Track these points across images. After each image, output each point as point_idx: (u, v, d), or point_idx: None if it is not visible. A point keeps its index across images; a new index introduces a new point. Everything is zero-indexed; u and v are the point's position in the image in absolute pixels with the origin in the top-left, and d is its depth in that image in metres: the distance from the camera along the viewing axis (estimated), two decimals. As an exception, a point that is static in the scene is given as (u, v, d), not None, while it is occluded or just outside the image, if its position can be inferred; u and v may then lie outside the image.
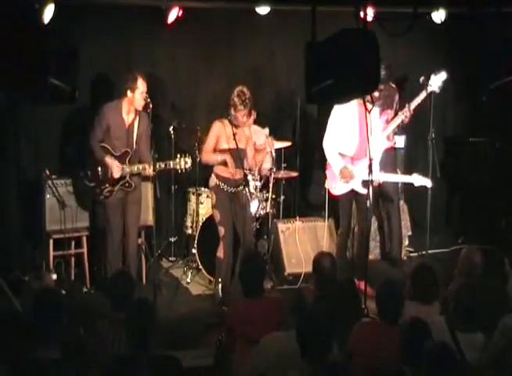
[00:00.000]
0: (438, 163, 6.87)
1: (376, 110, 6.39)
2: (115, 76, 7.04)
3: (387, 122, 7.01)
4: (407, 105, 6.85)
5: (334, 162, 6.49)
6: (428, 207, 6.72)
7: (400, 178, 6.92)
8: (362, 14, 4.44)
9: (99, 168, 6.38)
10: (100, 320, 4.38)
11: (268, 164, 7.32)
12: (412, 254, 7.84)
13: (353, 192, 6.53)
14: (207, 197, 7.19)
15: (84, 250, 6.75)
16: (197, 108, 7.74)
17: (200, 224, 6.97)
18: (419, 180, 6.60)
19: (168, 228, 7.68)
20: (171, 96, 7.64)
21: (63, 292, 6.18)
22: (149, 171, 6.21)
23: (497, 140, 8.26)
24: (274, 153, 7.12)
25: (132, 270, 6.34)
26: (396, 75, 7.25)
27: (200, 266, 6.90)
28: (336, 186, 6.55)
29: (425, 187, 6.61)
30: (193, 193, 7.25)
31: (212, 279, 6.81)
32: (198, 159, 7.08)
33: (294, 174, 7.45)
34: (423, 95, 6.73)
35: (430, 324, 4.04)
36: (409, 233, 7.88)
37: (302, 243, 7.20)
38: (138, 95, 6.22)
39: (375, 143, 6.37)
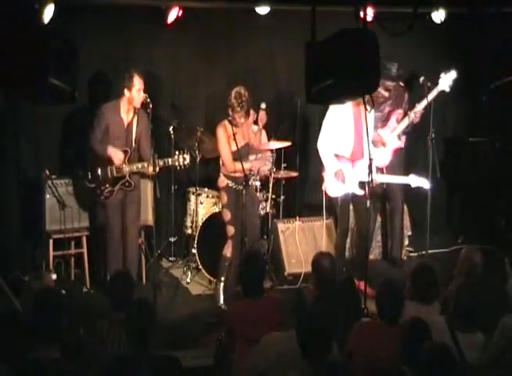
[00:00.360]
0: (438, 163, 6.87)
1: (372, 110, 6.39)
2: (115, 76, 7.04)
3: (398, 122, 7.02)
4: (417, 104, 6.87)
5: (329, 164, 6.49)
6: (428, 207, 6.72)
7: (397, 179, 6.91)
8: (362, 14, 4.43)
9: (99, 169, 6.38)
10: (100, 320, 4.38)
11: (267, 165, 7.33)
12: (412, 254, 7.84)
13: (350, 193, 6.53)
14: (207, 196, 7.20)
15: (84, 250, 6.75)
16: (197, 108, 7.74)
17: (200, 224, 6.97)
18: (416, 181, 6.60)
19: (168, 228, 7.69)
20: (171, 96, 7.64)
21: (63, 292, 6.18)
22: (149, 169, 6.21)
23: (497, 140, 8.26)
24: (274, 153, 7.16)
25: (132, 270, 6.33)
26: (405, 75, 7.25)
27: (200, 266, 6.90)
28: (333, 187, 6.55)
29: (423, 189, 6.61)
30: (193, 193, 7.25)
31: (212, 279, 6.81)
32: (198, 159, 7.10)
33: (294, 174, 7.45)
34: (433, 94, 6.76)
35: (430, 324, 4.04)
36: (409, 233, 7.88)
37: (302, 243, 7.20)
38: (135, 92, 6.22)
39: (370, 143, 6.36)
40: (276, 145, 7.13)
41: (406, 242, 7.82)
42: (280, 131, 7.45)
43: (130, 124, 6.38)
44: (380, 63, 6.66)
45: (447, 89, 6.79)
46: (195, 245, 6.98)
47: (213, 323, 5.71)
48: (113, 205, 6.43)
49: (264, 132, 7.43)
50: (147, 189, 6.74)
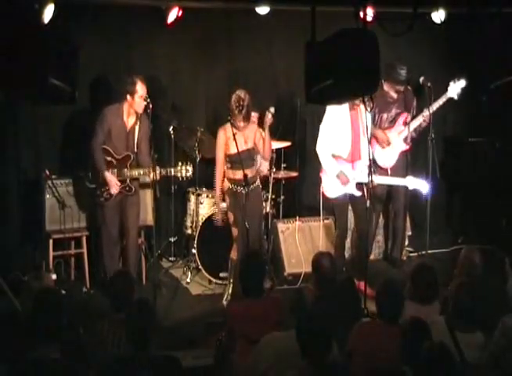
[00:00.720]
0: (438, 163, 6.87)
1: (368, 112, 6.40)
2: (115, 76, 7.05)
3: (406, 124, 7.03)
4: (425, 109, 6.88)
5: (329, 167, 6.49)
6: (428, 207, 6.72)
7: (394, 180, 6.90)
8: (362, 14, 4.43)
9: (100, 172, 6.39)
10: (100, 320, 4.38)
11: (267, 165, 7.34)
12: (412, 254, 7.84)
13: (348, 194, 6.53)
14: (207, 197, 7.20)
15: (84, 250, 6.75)
16: (197, 108, 7.74)
17: (200, 224, 6.97)
18: (413, 183, 6.59)
19: (168, 228, 7.69)
20: (171, 96, 7.64)
21: (63, 292, 6.18)
22: (150, 177, 6.22)
23: (497, 140, 8.26)
24: (274, 154, 7.16)
25: (133, 271, 6.33)
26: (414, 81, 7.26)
27: (200, 266, 6.90)
28: (330, 188, 6.56)
29: (420, 192, 6.61)
30: (193, 193, 7.25)
31: (212, 279, 6.82)
32: (198, 159, 7.10)
33: (294, 174, 7.45)
34: (441, 100, 6.81)
35: (430, 324, 4.04)
36: (409, 233, 7.88)
37: (302, 243, 7.20)
38: (137, 98, 6.22)
39: (365, 144, 6.37)
40: (276, 145, 7.14)
41: (406, 242, 7.82)
42: (280, 131, 7.45)
43: (132, 128, 6.38)
44: (391, 66, 6.77)
45: (456, 97, 6.85)
46: (195, 245, 6.98)
47: (213, 323, 5.71)
48: (112, 206, 6.43)
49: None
50: (147, 189, 6.74)
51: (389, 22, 4.45)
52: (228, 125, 6.22)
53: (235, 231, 6.36)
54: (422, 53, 8.09)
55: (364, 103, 5.75)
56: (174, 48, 7.57)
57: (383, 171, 6.99)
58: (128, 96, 6.25)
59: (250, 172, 6.25)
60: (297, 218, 7.32)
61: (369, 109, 5.87)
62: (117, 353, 4.15)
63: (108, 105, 6.41)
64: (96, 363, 3.94)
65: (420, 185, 6.56)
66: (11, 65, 3.87)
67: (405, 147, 7.14)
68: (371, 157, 6.02)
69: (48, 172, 6.63)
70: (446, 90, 6.92)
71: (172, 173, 6.33)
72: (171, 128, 7.19)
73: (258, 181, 6.50)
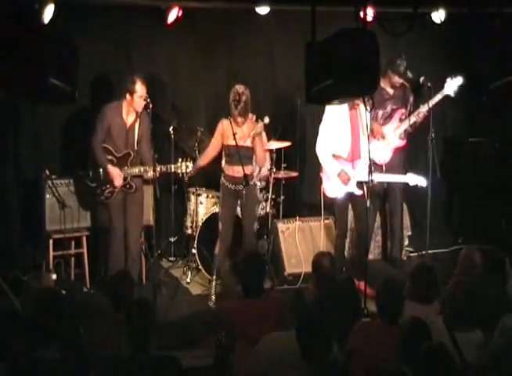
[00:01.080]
0: (438, 163, 6.87)
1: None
2: (115, 76, 7.05)
3: (401, 121, 7.04)
4: (421, 106, 6.89)
5: (330, 167, 6.50)
6: (428, 207, 6.72)
7: (394, 177, 6.92)
8: (362, 14, 4.43)
9: (101, 169, 6.39)
10: (100, 320, 4.38)
11: (267, 165, 7.33)
12: (412, 254, 7.84)
13: (349, 193, 6.54)
14: (207, 197, 7.20)
15: (84, 250, 6.75)
16: (197, 108, 7.74)
17: (200, 224, 6.97)
18: (413, 179, 6.60)
19: (168, 228, 7.69)
20: (171, 96, 7.64)
21: (63, 292, 6.17)
22: (150, 174, 6.22)
23: (497, 140, 8.26)
24: (274, 154, 7.16)
25: (134, 271, 6.33)
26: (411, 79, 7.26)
27: (200, 266, 6.91)
28: (331, 188, 6.56)
29: (421, 187, 6.62)
30: (193, 193, 7.25)
31: (212, 279, 6.82)
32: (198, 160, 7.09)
33: (294, 174, 7.45)
34: (437, 97, 6.80)
35: (430, 324, 4.04)
36: (409, 233, 7.88)
37: (302, 243, 7.20)
38: (136, 98, 6.23)
39: (365, 143, 6.39)
40: (276, 145, 7.14)
41: (406, 242, 7.83)
42: (280, 131, 7.45)
43: (132, 126, 6.38)
44: (391, 59, 6.78)
45: (452, 94, 6.85)
46: (195, 245, 6.98)
47: (213, 323, 5.71)
48: (116, 206, 6.43)
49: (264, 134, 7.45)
50: (147, 189, 6.74)
51: (389, 22, 4.46)
52: (227, 119, 6.26)
53: (220, 226, 6.43)
54: (422, 53, 8.09)
55: (364, 102, 5.76)
56: (174, 48, 7.57)
57: (378, 167, 6.99)
58: (128, 95, 6.26)
59: (245, 170, 6.27)
60: (297, 218, 7.32)
61: (369, 108, 5.88)
62: (117, 353, 4.15)
63: (108, 103, 6.41)
64: (96, 363, 3.94)
65: (421, 181, 6.57)
66: (11, 65, 3.87)
67: (400, 143, 7.14)
68: (369, 157, 6.00)
69: (48, 172, 6.63)
70: (443, 87, 6.92)
71: (172, 169, 6.33)
72: (171, 128, 7.19)
73: (255, 180, 6.50)
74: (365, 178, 6.15)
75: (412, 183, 6.63)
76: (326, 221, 7.24)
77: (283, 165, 7.32)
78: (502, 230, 7.98)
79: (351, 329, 4.38)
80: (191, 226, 7.30)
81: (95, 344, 4.21)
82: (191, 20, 7.14)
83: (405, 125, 7.06)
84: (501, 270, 5.23)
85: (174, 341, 5.31)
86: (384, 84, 6.99)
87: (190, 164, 6.36)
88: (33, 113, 6.94)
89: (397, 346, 3.95)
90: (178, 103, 7.64)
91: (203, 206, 7.19)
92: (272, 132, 7.38)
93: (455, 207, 8.76)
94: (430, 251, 7.16)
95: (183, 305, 6.52)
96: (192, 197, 7.28)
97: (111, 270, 6.38)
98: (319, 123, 6.63)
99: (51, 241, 6.58)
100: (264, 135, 6.40)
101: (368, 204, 6.07)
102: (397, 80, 7.00)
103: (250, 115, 6.35)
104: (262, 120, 6.21)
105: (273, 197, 7.25)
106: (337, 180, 6.47)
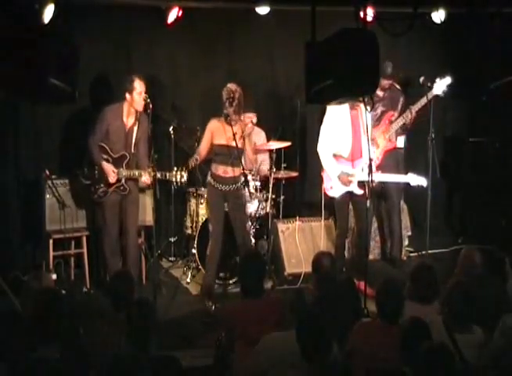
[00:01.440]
0: (438, 163, 6.87)
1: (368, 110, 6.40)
2: (115, 76, 7.05)
3: (390, 123, 7.03)
4: (410, 107, 6.89)
5: (331, 168, 6.51)
6: (428, 207, 6.72)
7: (396, 177, 6.93)
8: (362, 14, 4.43)
9: (96, 168, 6.39)
10: (100, 320, 4.38)
11: (267, 165, 7.34)
12: (412, 254, 7.84)
13: (349, 193, 6.54)
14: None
15: (84, 250, 6.75)
16: (197, 108, 7.74)
17: (200, 224, 6.97)
18: (414, 179, 6.61)
19: (168, 228, 7.69)
20: (171, 96, 7.64)
21: (63, 292, 6.17)
22: (145, 178, 6.23)
23: (497, 140, 8.26)
24: (274, 154, 7.16)
25: (133, 271, 6.32)
26: (400, 76, 7.25)
27: (200, 266, 6.90)
28: (332, 187, 6.56)
29: (422, 187, 6.62)
30: (193, 194, 7.25)
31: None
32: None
33: (294, 174, 7.45)
34: (426, 98, 6.77)
35: (430, 324, 4.04)
36: (409, 233, 7.88)
37: (302, 243, 7.20)
38: (136, 95, 6.22)
39: (366, 143, 6.39)
40: (276, 145, 7.14)
41: (406, 242, 7.83)
42: (280, 131, 7.45)
43: (131, 128, 6.38)
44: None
45: (441, 94, 6.82)
46: (195, 245, 6.98)
47: (213, 323, 5.71)
48: (111, 206, 6.43)
49: (263, 133, 7.44)
50: (147, 189, 6.74)
51: (389, 22, 4.46)
52: (221, 118, 6.25)
53: (210, 227, 6.45)
54: (422, 53, 8.09)
55: (364, 102, 5.76)
56: (174, 48, 7.57)
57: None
58: (127, 95, 6.25)
59: (231, 170, 6.28)
60: (297, 218, 7.31)
61: (369, 108, 5.87)
62: (117, 353, 4.14)
63: (108, 105, 6.41)
64: (96, 363, 3.94)
65: (421, 181, 6.58)
66: (11, 65, 3.87)
67: (389, 145, 7.13)
68: (370, 157, 6.00)
69: (48, 172, 6.63)
70: (447, 90, 6.91)
71: (167, 177, 6.30)
72: (171, 128, 7.19)
73: (242, 181, 6.49)
74: (366, 177, 6.15)
75: (413, 183, 6.64)
76: (326, 221, 7.24)
77: (283, 165, 7.32)
78: (503, 230, 7.98)
79: (351, 329, 4.38)
80: (191, 226, 7.31)
81: (95, 344, 4.21)
82: (191, 20, 7.14)
83: (396, 127, 7.06)
84: (501, 270, 5.23)
85: (173, 340, 5.31)
86: None
87: (185, 174, 6.33)
88: (33, 113, 6.94)
89: (397, 346, 3.95)
90: (178, 103, 7.64)
91: (203, 206, 7.19)
92: (272, 132, 7.39)
93: (455, 207, 8.76)
94: (430, 251, 7.16)
95: (183, 305, 6.51)
96: (192, 198, 7.28)
97: (109, 270, 6.38)
98: (319, 123, 6.64)
99: (51, 241, 6.58)
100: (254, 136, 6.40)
101: (368, 204, 6.07)
102: (386, 82, 7.00)
103: (251, 115, 6.34)
104: (251, 119, 6.21)
105: (273, 196, 7.25)
106: (338, 181, 6.48)
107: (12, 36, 3.86)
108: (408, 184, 6.73)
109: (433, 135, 6.80)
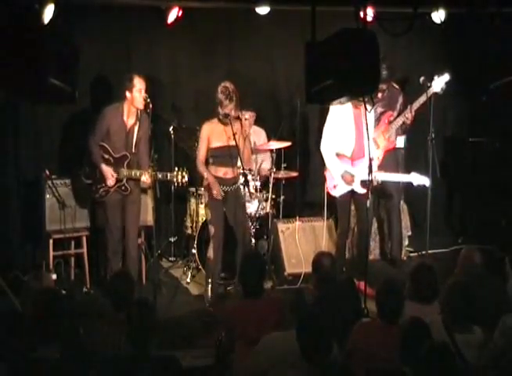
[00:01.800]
0: (438, 163, 6.87)
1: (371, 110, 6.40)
2: (115, 76, 7.04)
3: (389, 123, 7.03)
4: (409, 106, 6.88)
5: (333, 167, 6.51)
6: (428, 207, 6.72)
7: (398, 177, 6.93)
8: (362, 14, 4.43)
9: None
10: (100, 320, 4.38)
11: (267, 165, 7.34)
12: (412, 254, 7.84)
13: (352, 192, 6.55)
14: (207, 197, 7.19)
15: (84, 250, 6.75)
16: (197, 108, 7.73)
17: (200, 224, 6.97)
18: (417, 179, 6.61)
19: (168, 228, 7.69)
20: (171, 96, 7.64)
21: (63, 292, 6.18)
22: (145, 178, 6.23)
23: (497, 140, 8.26)
24: (274, 153, 7.16)
25: (132, 271, 6.32)
26: (398, 76, 7.24)
27: (200, 266, 6.91)
28: (335, 186, 6.57)
29: (424, 186, 6.62)
30: (193, 194, 7.25)
31: (208, 281, 6.81)
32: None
33: (294, 174, 7.44)
34: (425, 96, 6.76)
35: (430, 324, 4.04)
36: (409, 233, 7.88)
37: (302, 243, 7.20)
38: (136, 93, 6.21)
39: (370, 142, 6.40)
40: (276, 145, 7.14)
41: (406, 242, 7.82)
42: (280, 131, 7.45)
43: (131, 128, 6.37)
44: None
45: (440, 91, 6.81)
46: (195, 245, 6.98)
47: (213, 323, 5.72)
48: (113, 205, 6.43)
49: (263, 133, 7.44)
50: (147, 189, 6.74)
51: (389, 22, 4.46)
52: (214, 120, 6.23)
53: (211, 229, 6.39)
54: (422, 53, 8.09)
55: (364, 102, 5.76)
56: (174, 48, 7.57)
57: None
58: (127, 93, 6.24)
59: (231, 171, 6.26)
60: (297, 218, 7.31)
61: (369, 108, 5.87)
62: (117, 353, 4.15)
63: (108, 105, 6.42)
64: (96, 363, 3.94)
65: (424, 181, 6.58)
66: (11, 65, 3.87)
67: (389, 146, 7.13)
68: (371, 156, 6.00)
69: (48, 172, 6.62)
70: (447, 90, 6.90)
71: (168, 178, 6.28)
72: (171, 128, 7.19)
73: (242, 181, 6.48)
74: (371, 176, 6.13)
75: (415, 183, 6.64)
76: (327, 221, 7.24)
77: (283, 165, 7.32)
78: (503, 230, 7.97)
79: (351, 329, 4.38)
80: (191, 226, 7.31)
81: (95, 344, 4.21)
82: (191, 20, 7.14)
83: (395, 127, 7.05)
84: (501, 270, 5.23)
85: (173, 340, 5.32)
86: None
87: (186, 175, 6.31)
88: (33, 113, 6.94)
89: (397, 346, 3.95)
90: (178, 103, 7.64)
91: (203, 206, 7.17)
92: (272, 132, 7.39)
93: (455, 207, 8.76)
94: (430, 251, 7.15)
95: (183, 305, 6.51)
96: (192, 197, 7.28)
97: (110, 270, 6.38)
98: (319, 123, 6.65)
99: (51, 241, 6.57)
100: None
101: (368, 204, 6.07)
102: (381, 85, 6.98)
103: (250, 113, 6.33)
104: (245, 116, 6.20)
105: (273, 197, 7.25)
106: (341, 180, 6.49)
107: (12, 36, 3.86)
108: (411, 183, 6.72)
109: (433, 135, 6.80)
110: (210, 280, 6.47)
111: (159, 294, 6.16)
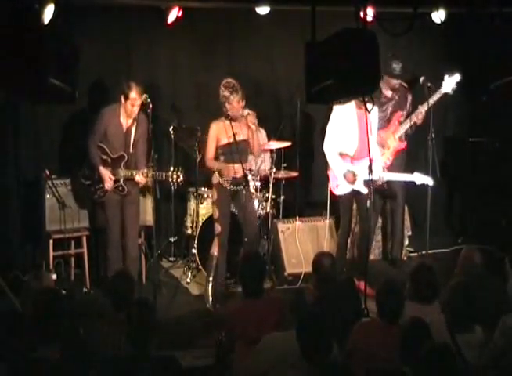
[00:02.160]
0: (438, 163, 6.87)
1: (375, 109, 6.40)
2: (115, 76, 7.04)
3: (400, 123, 7.03)
4: (419, 106, 6.88)
5: (336, 166, 6.52)
6: (428, 207, 6.72)
7: (402, 176, 6.94)
8: (362, 14, 4.43)
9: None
10: (100, 320, 4.38)
11: (267, 165, 7.34)
12: (412, 254, 7.84)
13: (354, 192, 6.55)
14: (207, 197, 7.19)
15: (84, 250, 6.75)
16: (197, 108, 7.74)
17: (200, 224, 6.97)
18: (420, 178, 6.62)
19: (168, 228, 7.68)
20: (171, 96, 7.64)
21: (63, 292, 6.18)
22: (139, 178, 6.24)
23: (497, 140, 8.26)
24: (274, 153, 7.16)
25: (132, 271, 6.32)
26: (408, 75, 7.24)
27: (200, 266, 6.90)
28: (338, 186, 6.57)
29: (425, 186, 6.62)
30: (193, 193, 7.25)
31: (209, 280, 6.81)
32: (198, 159, 7.09)
33: (294, 174, 7.45)
34: (436, 96, 6.79)
35: (430, 324, 4.04)
36: (409, 233, 7.88)
37: (302, 243, 7.20)
38: (129, 105, 6.21)
39: (374, 143, 6.41)
40: (276, 145, 7.14)
41: (406, 242, 7.82)
42: (280, 131, 7.45)
43: (129, 129, 6.37)
44: (386, 62, 6.78)
45: (450, 92, 6.83)
46: (195, 245, 6.98)
47: (213, 323, 5.72)
48: (112, 206, 6.43)
49: (264, 133, 7.43)
50: (147, 189, 6.74)
51: (389, 22, 4.46)
52: (221, 118, 6.22)
53: (218, 227, 6.37)
54: (422, 53, 8.09)
55: (364, 103, 5.76)
56: (174, 48, 7.57)
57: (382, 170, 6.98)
58: (122, 99, 6.24)
59: (241, 170, 6.24)
60: (297, 218, 7.31)
61: (369, 108, 5.86)
62: (117, 353, 4.15)
63: (107, 105, 6.41)
64: (96, 363, 3.94)
65: (427, 180, 6.59)
66: (11, 65, 3.87)
67: (400, 146, 7.14)
68: (372, 156, 6.00)
69: (48, 172, 6.62)
70: (441, 85, 6.91)
71: (163, 177, 6.28)
72: (171, 128, 7.19)
73: (252, 180, 6.48)
74: (372, 176, 6.14)
75: (418, 182, 6.65)
76: (326, 221, 7.24)
77: (283, 165, 7.32)
78: (503, 230, 7.98)
79: (351, 329, 4.39)
80: (191, 226, 7.30)
81: (95, 344, 4.21)
82: (191, 20, 7.14)
83: (405, 127, 7.05)
84: (501, 270, 5.23)
85: (173, 340, 5.32)
86: (381, 87, 6.99)
87: (181, 175, 6.30)
88: (33, 113, 6.94)
89: (397, 346, 3.95)
90: (178, 103, 7.64)
91: (203, 206, 7.19)
92: (272, 132, 7.39)
93: (455, 207, 8.76)
94: (430, 251, 7.16)
95: (183, 305, 6.52)
96: (192, 197, 7.28)
97: (110, 270, 6.38)
98: (320, 123, 6.65)
99: (51, 241, 6.57)
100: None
101: (368, 204, 6.07)
102: (395, 82, 7.00)
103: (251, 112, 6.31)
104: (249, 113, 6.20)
105: (273, 197, 7.25)
106: (344, 180, 6.49)
107: (12, 36, 3.86)
108: (413, 183, 6.73)
109: (433, 135, 6.81)
110: (211, 279, 6.47)
111: (159, 294, 6.16)
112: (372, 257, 7.43)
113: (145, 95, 6.18)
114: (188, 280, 7.02)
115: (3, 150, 6.86)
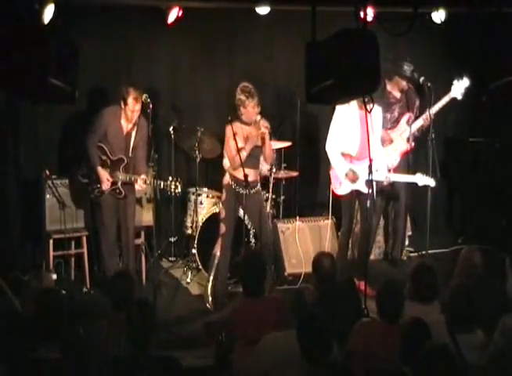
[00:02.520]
0: (438, 163, 6.87)
1: (377, 109, 6.40)
2: (115, 76, 7.05)
3: (407, 125, 7.03)
4: (428, 109, 6.88)
5: (339, 165, 6.52)
6: (428, 207, 6.72)
7: (404, 177, 6.94)
8: (362, 14, 4.43)
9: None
10: (100, 320, 4.38)
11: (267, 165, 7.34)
12: (412, 254, 7.84)
13: (356, 192, 6.55)
14: (207, 197, 7.20)
15: (84, 250, 6.75)
16: (197, 108, 7.74)
17: (200, 224, 6.97)
18: (422, 180, 6.62)
19: (168, 228, 7.69)
20: (171, 96, 7.64)
21: (63, 292, 6.18)
22: (137, 186, 6.24)
23: (497, 140, 8.26)
24: (274, 154, 7.15)
25: (131, 270, 6.33)
26: (415, 77, 7.23)
27: (200, 266, 6.91)
28: (340, 186, 6.57)
29: (426, 186, 6.63)
30: (193, 193, 7.25)
31: (209, 279, 6.81)
32: (198, 159, 7.10)
33: (294, 174, 7.45)
34: (444, 100, 6.81)
35: (430, 324, 4.04)
36: (409, 233, 7.88)
37: (302, 243, 7.20)
38: (128, 111, 6.21)
39: (376, 143, 6.41)
40: (276, 145, 7.14)
41: (406, 242, 7.82)
42: (280, 131, 7.45)
43: (129, 133, 6.36)
44: (397, 62, 6.78)
45: (459, 97, 6.84)
46: (195, 245, 6.98)
47: (213, 323, 5.72)
48: (108, 206, 6.43)
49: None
50: (147, 189, 6.74)
51: (389, 22, 4.45)
52: (236, 123, 6.18)
53: (223, 227, 6.35)
54: (422, 53, 8.08)
55: (364, 103, 5.76)
56: (174, 49, 7.57)
57: (388, 171, 6.98)
58: (122, 103, 6.24)
59: (253, 173, 6.23)
60: (297, 218, 7.31)
61: (369, 108, 5.86)
62: (117, 353, 4.15)
63: (107, 105, 6.41)
64: (96, 363, 3.94)
65: (429, 181, 6.59)
66: (11, 65, 3.87)
67: (407, 147, 7.14)
68: (372, 156, 6.00)
69: (48, 172, 6.63)
70: (448, 90, 6.91)
71: (161, 186, 6.27)
72: (171, 128, 7.19)
73: (259, 185, 6.47)
74: (373, 176, 6.14)
75: (420, 183, 6.65)
76: (326, 221, 7.24)
77: (283, 165, 7.32)
78: (503, 230, 7.98)
79: (351, 329, 4.39)
80: (191, 226, 7.30)
81: (95, 344, 4.21)
82: (191, 20, 7.12)
83: (413, 129, 7.05)
84: (501, 270, 5.23)
85: (173, 340, 5.32)
86: (391, 88, 7.00)
87: (180, 185, 6.28)
88: (33, 113, 6.94)
89: (397, 346, 3.95)
90: (178, 103, 7.64)
91: (203, 206, 7.19)
92: (272, 132, 7.38)
93: (455, 208, 8.76)
94: (430, 251, 7.15)
95: (183, 305, 6.52)
96: (193, 197, 7.28)
97: (107, 270, 6.38)
98: (320, 123, 6.64)
99: (51, 241, 6.58)
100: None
101: (368, 204, 6.07)
102: (405, 84, 7.00)
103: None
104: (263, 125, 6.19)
105: (273, 196, 7.25)
106: (345, 179, 6.49)
107: (12, 36, 3.86)
108: (415, 184, 6.73)
109: (433, 136, 6.80)
110: (211, 279, 6.47)
111: (159, 294, 6.16)
112: (372, 257, 7.43)
113: (145, 95, 6.18)
114: (188, 280, 7.02)
115: (3, 150, 6.86)
